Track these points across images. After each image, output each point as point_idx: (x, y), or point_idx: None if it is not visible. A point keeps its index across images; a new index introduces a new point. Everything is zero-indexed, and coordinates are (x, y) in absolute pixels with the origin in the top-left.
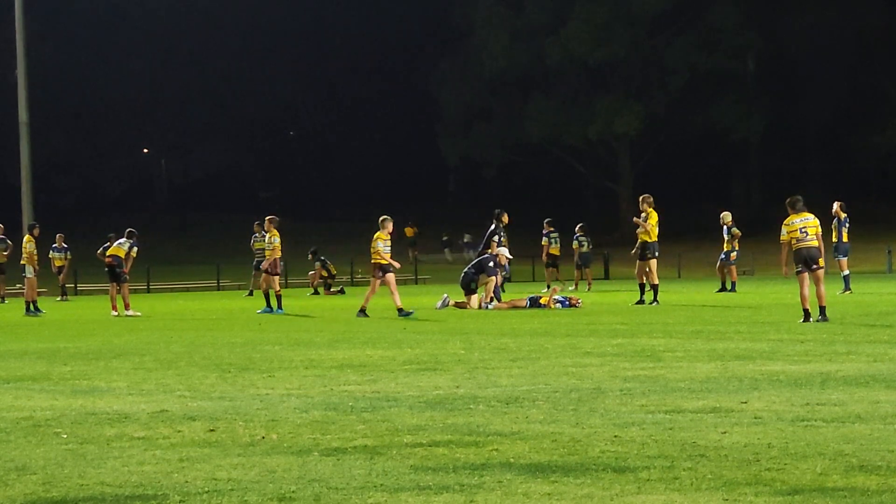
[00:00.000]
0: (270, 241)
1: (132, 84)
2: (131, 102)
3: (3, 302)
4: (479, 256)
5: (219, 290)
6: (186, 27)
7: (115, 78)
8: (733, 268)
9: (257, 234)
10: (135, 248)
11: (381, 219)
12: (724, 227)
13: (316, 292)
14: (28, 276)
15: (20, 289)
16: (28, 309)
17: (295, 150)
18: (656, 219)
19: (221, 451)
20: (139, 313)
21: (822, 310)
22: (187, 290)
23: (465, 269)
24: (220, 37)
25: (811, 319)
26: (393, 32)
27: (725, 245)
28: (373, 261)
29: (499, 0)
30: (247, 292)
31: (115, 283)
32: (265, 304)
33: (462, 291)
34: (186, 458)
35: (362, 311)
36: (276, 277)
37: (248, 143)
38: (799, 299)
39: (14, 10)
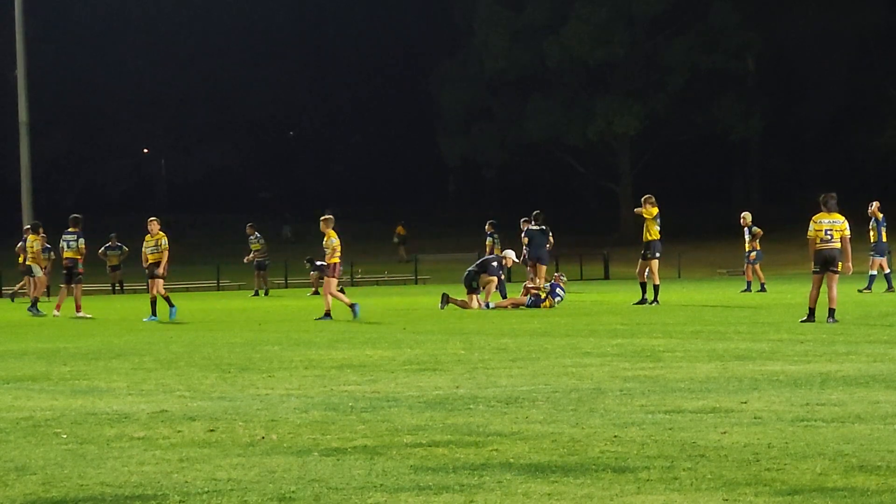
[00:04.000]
0: (159, 243)
1: (132, 84)
2: (131, 102)
3: (11, 301)
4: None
5: (219, 290)
6: (186, 27)
7: (115, 78)
8: (750, 268)
9: (251, 236)
10: (82, 241)
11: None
12: (745, 228)
13: (316, 292)
14: (37, 275)
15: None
16: (33, 305)
17: (295, 150)
18: (655, 213)
19: (221, 451)
20: (89, 315)
21: (832, 312)
22: (187, 290)
23: (469, 269)
24: (221, 37)
25: (814, 320)
26: (393, 32)
27: (746, 245)
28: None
29: (499, 0)
30: (252, 292)
31: (68, 284)
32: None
33: (465, 290)
34: (186, 458)
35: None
36: (161, 281)
37: (248, 143)
38: (807, 298)
39: (14, 11)
